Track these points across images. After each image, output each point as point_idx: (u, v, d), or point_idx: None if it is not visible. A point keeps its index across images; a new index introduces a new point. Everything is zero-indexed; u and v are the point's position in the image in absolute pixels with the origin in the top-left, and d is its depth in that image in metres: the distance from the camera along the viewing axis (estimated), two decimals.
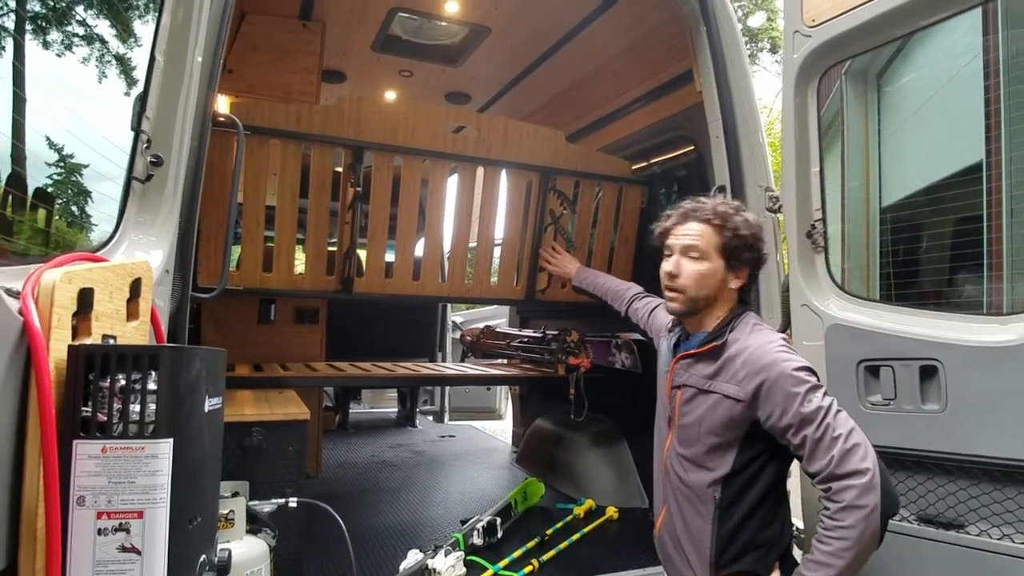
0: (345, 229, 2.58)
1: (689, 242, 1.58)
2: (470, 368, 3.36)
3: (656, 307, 2.04)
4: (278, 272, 2.49)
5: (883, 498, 1.34)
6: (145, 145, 1.46)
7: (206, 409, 1.00)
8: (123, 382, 0.89)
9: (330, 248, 2.62)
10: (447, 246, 2.86)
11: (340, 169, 2.56)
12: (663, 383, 1.75)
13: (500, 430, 6.56)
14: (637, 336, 2.75)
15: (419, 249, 2.88)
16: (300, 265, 2.69)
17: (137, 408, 0.88)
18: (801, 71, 2.12)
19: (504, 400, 5.75)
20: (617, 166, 3.07)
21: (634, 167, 3.15)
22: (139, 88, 1.53)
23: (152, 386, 0.88)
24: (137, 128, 1.44)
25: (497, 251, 2.99)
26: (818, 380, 1.47)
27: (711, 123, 2.43)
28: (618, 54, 3.12)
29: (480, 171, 2.80)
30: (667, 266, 1.60)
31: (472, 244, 2.87)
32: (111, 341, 1.03)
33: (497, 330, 3.90)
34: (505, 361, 3.92)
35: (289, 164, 2.44)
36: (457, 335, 5.43)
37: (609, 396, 2.97)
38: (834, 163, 2.18)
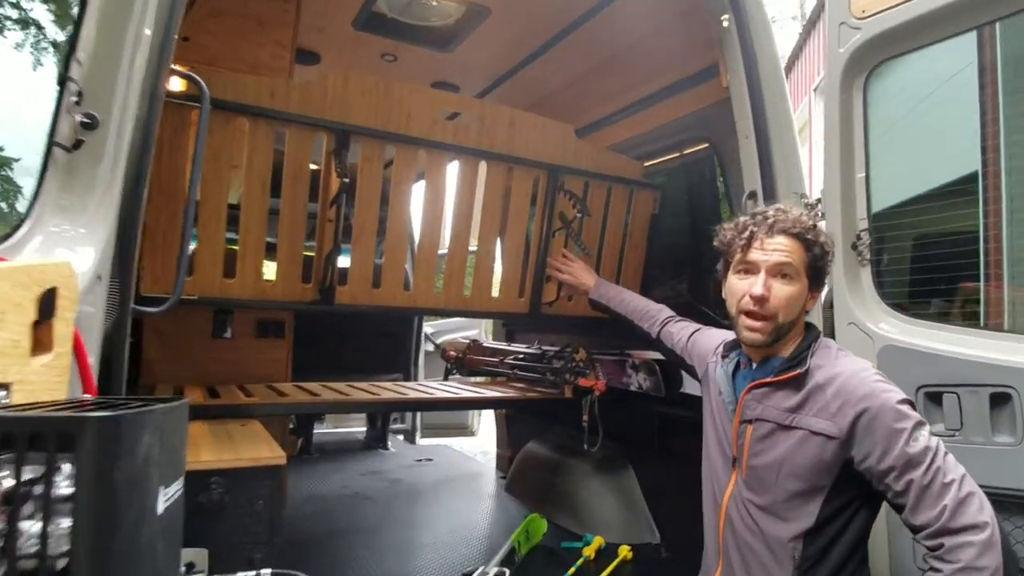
0: (327, 228, 2.17)
1: (782, 259, 1.35)
2: (463, 389, 2.99)
3: (696, 332, 1.81)
4: (242, 278, 2.06)
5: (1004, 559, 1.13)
6: (74, 99, 1.04)
7: (160, 509, 0.60)
8: (11, 481, 0.49)
9: (306, 252, 2.22)
10: (444, 250, 2.49)
11: (317, 167, 2.17)
12: (722, 416, 1.50)
13: (474, 447, 6.18)
14: (654, 355, 2.45)
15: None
16: (269, 271, 2.27)
17: (36, 528, 0.48)
18: (847, 67, 1.94)
19: (477, 417, 5.40)
20: (629, 167, 2.79)
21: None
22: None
23: (66, 488, 0.49)
24: (64, 74, 1.03)
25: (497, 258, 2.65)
26: (921, 416, 1.26)
27: (739, 122, 2.19)
28: (632, 44, 2.84)
29: (482, 165, 2.46)
30: (754, 288, 1.35)
31: (472, 248, 2.51)
32: (1, 395, 0.62)
33: (485, 345, 3.53)
34: (489, 379, 3.57)
35: (259, 148, 2.03)
36: (430, 347, 5.04)
37: (613, 418, 2.64)
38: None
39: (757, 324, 1.37)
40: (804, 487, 1.31)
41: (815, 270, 1.40)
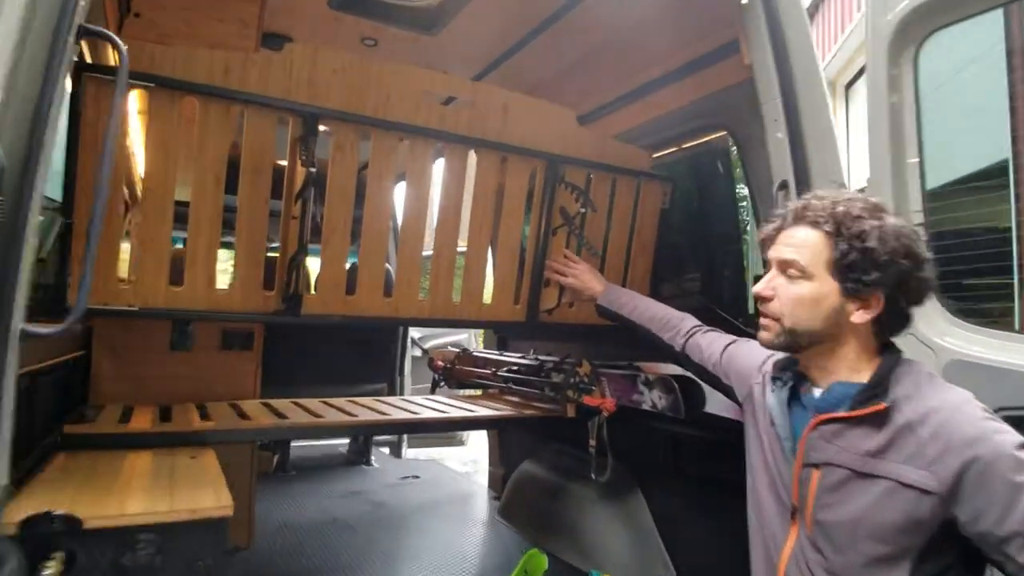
0: (292, 227, 1.88)
1: (787, 255, 1.16)
2: (452, 406, 2.69)
3: (731, 345, 1.55)
4: (192, 285, 1.76)
5: None
6: None
7: None
8: None
9: (269, 254, 1.92)
10: (428, 252, 2.20)
11: (283, 162, 1.88)
12: (777, 454, 1.24)
13: (463, 456, 5.90)
14: (671, 369, 2.17)
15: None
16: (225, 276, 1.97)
17: None
18: (895, 37, 1.70)
19: None
20: (637, 157, 2.51)
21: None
22: None
23: None
24: None
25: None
26: None
27: (765, 104, 1.92)
28: (638, 22, 2.56)
29: (472, 155, 2.17)
30: (758, 285, 1.21)
31: (461, 249, 2.22)
32: None
33: (477, 355, 3.24)
34: (480, 392, 3.28)
35: (212, 135, 1.74)
36: (417, 353, 4.73)
37: (619, 436, 2.35)
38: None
39: (764, 322, 1.21)
40: (889, 550, 1.05)
41: (844, 268, 1.12)
